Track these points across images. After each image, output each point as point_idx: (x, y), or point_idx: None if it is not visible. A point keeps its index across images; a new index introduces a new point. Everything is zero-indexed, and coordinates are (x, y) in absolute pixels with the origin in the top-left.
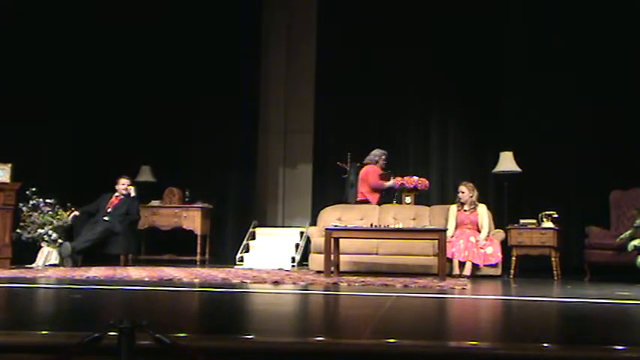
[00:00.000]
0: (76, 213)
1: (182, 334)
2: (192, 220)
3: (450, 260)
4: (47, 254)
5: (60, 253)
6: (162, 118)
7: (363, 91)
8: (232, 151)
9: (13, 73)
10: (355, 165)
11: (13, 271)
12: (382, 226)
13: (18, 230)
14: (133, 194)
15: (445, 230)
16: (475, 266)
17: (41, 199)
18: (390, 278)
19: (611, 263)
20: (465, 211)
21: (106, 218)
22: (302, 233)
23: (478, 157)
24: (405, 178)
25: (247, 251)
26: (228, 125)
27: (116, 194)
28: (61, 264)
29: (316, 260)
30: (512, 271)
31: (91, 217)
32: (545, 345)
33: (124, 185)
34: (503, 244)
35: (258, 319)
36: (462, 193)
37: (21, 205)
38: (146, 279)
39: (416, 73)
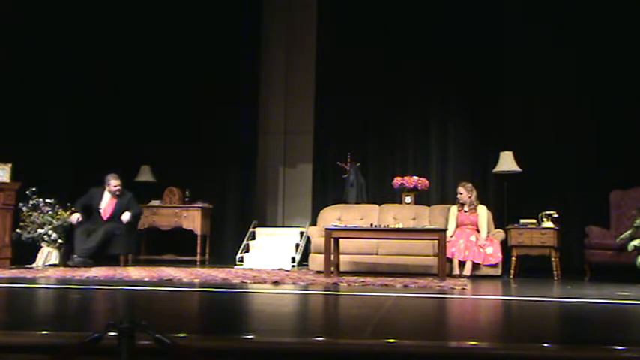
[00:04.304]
0: (79, 216)
1: (182, 334)
2: (192, 220)
3: (450, 260)
4: (47, 254)
5: (76, 265)
6: (162, 117)
7: (363, 91)
8: (232, 151)
9: (12, 72)
10: (355, 165)
11: (13, 271)
12: (382, 226)
13: (18, 230)
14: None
15: (445, 230)
16: (475, 265)
17: (41, 199)
18: (390, 278)
19: (611, 263)
20: (465, 211)
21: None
22: (302, 233)
23: (478, 157)
24: (405, 178)
25: (247, 251)
26: (228, 125)
27: (110, 196)
28: (61, 264)
29: (316, 260)
30: (512, 271)
31: (86, 213)
32: (545, 345)
33: (116, 187)
34: (504, 244)
35: (258, 319)
36: (460, 194)
37: (21, 205)
38: (146, 279)
39: (416, 73)
